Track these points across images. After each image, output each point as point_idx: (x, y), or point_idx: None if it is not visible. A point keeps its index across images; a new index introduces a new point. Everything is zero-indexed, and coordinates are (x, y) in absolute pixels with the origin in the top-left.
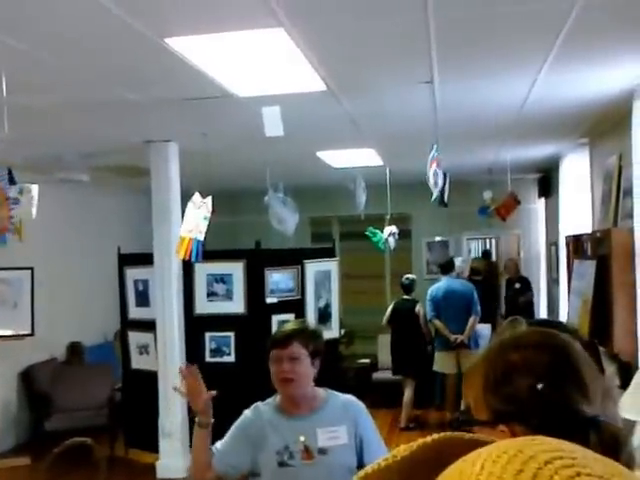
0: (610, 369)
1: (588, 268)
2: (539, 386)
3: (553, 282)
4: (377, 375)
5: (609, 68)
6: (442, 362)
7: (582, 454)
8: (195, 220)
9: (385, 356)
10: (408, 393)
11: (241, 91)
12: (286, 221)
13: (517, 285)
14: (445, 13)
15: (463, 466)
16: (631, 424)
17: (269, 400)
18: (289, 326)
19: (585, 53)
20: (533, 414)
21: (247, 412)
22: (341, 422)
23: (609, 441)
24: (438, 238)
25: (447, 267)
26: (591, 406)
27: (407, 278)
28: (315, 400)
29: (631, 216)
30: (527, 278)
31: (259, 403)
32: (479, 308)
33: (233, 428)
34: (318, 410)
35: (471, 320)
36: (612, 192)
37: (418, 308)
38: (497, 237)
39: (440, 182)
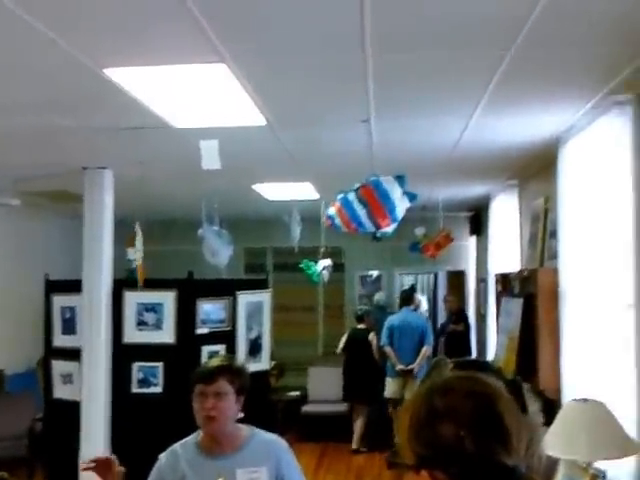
0: (534, 406)
1: (515, 306)
2: (461, 434)
3: (482, 319)
4: (306, 408)
5: (537, 115)
6: (391, 388)
7: None
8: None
9: (315, 389)
10: (360, 421)
11: (180, 123)
12: (220, 253)
13: (453, 318)
14: (382, 56)
15: None
16: (555, 461)
17: (190, 438)
18: (215, 361)
19: (515, 100)
20: (454, 462)
21: (162, 457)
22: (263, 462)
23: None
24: (371, 272)
25: (406, 300)
26: (513, 457)
27: (360, 309)
28: (237, 439)
29: (556, 257)
30: (464, 311)
31: (176, 445)
32: (432, 339)
33: (150, 476)
34: (240, 449)
35: (424, 350)
36: (539, 233)
37: (371, 337)
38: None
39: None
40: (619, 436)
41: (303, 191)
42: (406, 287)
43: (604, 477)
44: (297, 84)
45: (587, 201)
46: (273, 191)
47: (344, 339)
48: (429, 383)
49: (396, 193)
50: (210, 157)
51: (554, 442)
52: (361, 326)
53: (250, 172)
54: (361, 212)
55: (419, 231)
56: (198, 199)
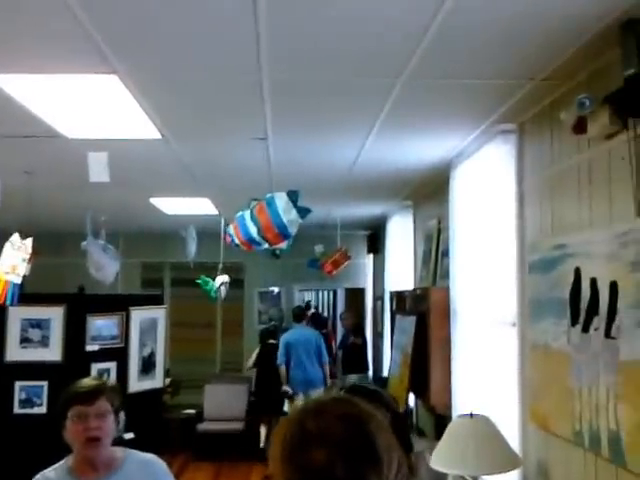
0: (421, 445)
1: (409, 324)
2: (332, 457)
3: (378, 335)
4: (202, 426)
5: (429, 140)
6: (289, 403)
7: None
8: (12, 261)
9: (211, 406)
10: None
11: (70, 133)
12: (105, 268)
13: (351, 334)
14: (278, 76)
15: None
16: (443, 476)
17: (60, 463)
18: (88, 381)
19: (408, 125)
20: None
21: None
22: None
23: None
24: (271, 289)
25: (299, 316)
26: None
27: (272, 325)
28: (113, 461)
29: (448, 276)
30: (362, 327)
31: (46, 471)
32: (326, 354)
33: None
34: (115, 472)
35: (325, 368)
36: (432, 252)
37: None
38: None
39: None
40: (504, 450)
41: (202, 206)
42: (299, 304)
43: None
44: (192, 99)
45: (476, 223)
46: (172, 205)
47: (255, 354)
48: (302, 406)
49: (286, 209)
50: (98, 170)
51: (441, 457)
52: (272, 341)
53: (147, 186)
54: (252, 230)
55: (318, 248)
56: (90, 211)
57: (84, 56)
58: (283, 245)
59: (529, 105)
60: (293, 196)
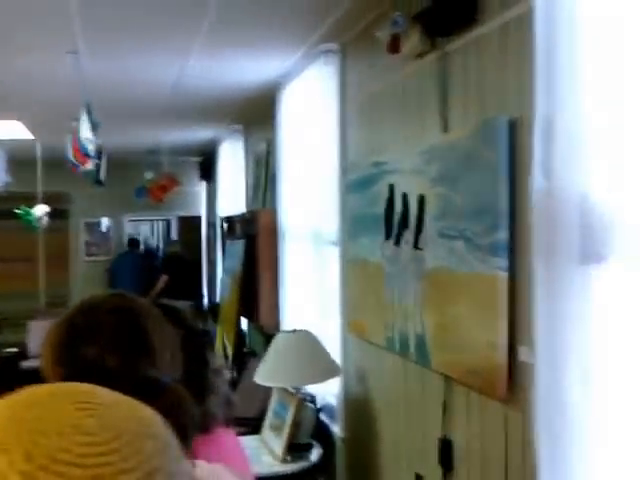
0: (219, 362)
1: (238, 247)
2: (102, 350)
3: (211, 263)
4: (26, 364)
5: (253, 59)
6: None
7: (101, 392)
8: None
9: (36, 343)
10: None
11: None
12: None
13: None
14: None
15: None
16: (268, 389)
17: None
18: None
19: (230, 43)
20: (97, 379)
21: None
22: None
23: (172, 401)
24: (101, 220)
25: (133, 244)
26: (156, 368)
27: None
28: None
29: (276, 199)
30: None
31: None
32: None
33: None
34: None
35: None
36: (262, 176)
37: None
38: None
39: (93, 154)
40: (324, 360)
41: (14, 130)
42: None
43: (312, 400)
44: None
45: (302, 145)
46: None
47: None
48: (74, 305)
49: (84, 128)
50: None
51: (266, 372)
52: None
53: None
54: (69, 153)
55: (147, 175)
56: None
57: None
58: (89, 165)
59: (350, 24)
60: (91, 113)
